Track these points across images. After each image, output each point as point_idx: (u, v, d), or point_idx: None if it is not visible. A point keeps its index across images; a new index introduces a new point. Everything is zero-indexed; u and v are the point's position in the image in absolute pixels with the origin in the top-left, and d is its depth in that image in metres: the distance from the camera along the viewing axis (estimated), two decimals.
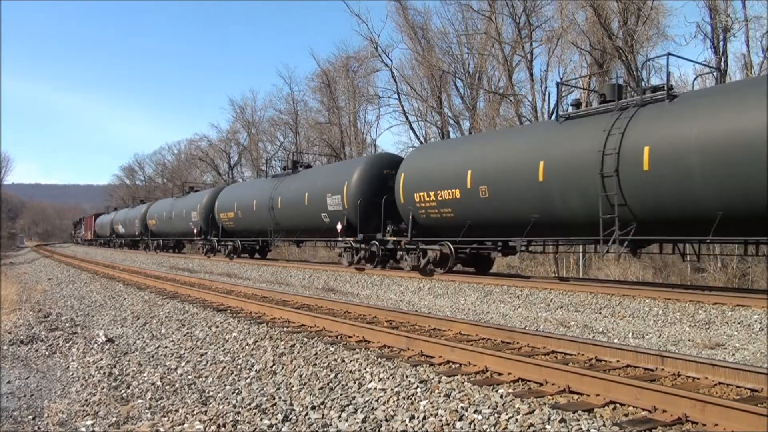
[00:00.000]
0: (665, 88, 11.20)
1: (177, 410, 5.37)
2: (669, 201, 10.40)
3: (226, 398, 5.64)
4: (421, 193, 15.53)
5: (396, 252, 17.14)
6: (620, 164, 10.89)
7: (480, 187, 13.82)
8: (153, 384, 6.38)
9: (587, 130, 11.95)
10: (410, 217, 16.08)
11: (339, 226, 18.24)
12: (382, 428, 4.49)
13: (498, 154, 13.87)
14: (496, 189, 13.51)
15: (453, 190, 14.58)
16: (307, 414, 4.93)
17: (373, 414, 4.77)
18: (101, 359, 7.73)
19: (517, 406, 4.62)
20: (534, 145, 13.02)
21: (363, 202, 17.52)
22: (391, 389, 5.31)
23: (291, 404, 5.23)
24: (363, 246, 17.88)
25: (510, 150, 13.65)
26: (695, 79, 18.72)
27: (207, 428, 4.80)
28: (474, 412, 4.57)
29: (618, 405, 4.75)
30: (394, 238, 16.75)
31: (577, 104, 13.58)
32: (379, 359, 6.38)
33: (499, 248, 15.13)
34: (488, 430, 4.27)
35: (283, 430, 4.67)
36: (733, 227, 9.92)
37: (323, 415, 4.88)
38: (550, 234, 13.34)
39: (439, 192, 15.01)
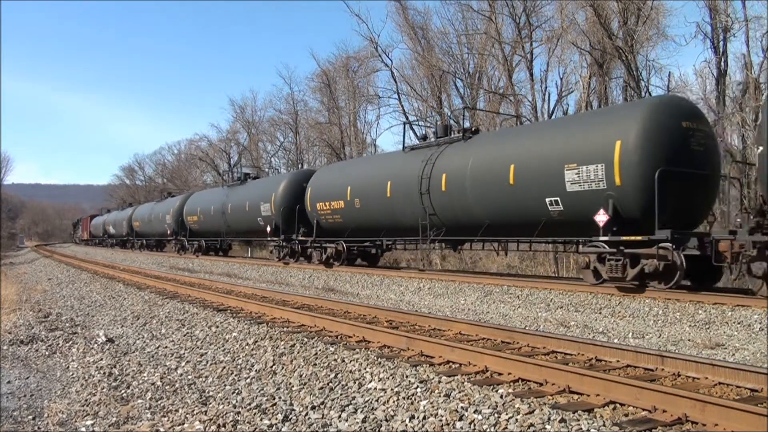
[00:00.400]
0: (470, 130, 15.57)
1: (177, 410, 5.37)
2: (458, 212, 14.59)
3: (226, 398, 5.64)
4: (321, 203, 19.61)
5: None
6: (430, 186, 15.07)
7: (355, 200, 17.98)
8: (153, 384, 6.38)
9: (417, 160, 15.97)
10: (315, 221, 20.11)
11: (268, 228, 22.60)
12: (382, 428, 4.49)
13: (365, 174, 18.25)
14: (364, 201, 17.66)
15: (340, 201, 18.68)
16: (307, 414, 4.93)
17: (373, 414, 4.77)
18: (101, 359, 7.73)
19: (517, 406, 4.62)
20: (386, 169, 17.31)
21: (285, 209, 21.64)
22: (391, 389, 5.31)
23: (291, 404, 5.23)
24: (285, 244, 22.15)
25: (372, 172, 18.02)
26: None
27: (207, 428, 4.80)
28: (474, 412, 4.57)
29: (618, 405, 4.75)
30: (303, 238, 20.97)
31: (423, 137, 17.68)
32: (379, 359, 6.38)
33: (378, 246, 19.22)
34: (488, 430, 4.27)
35: (283, 430, 4.67)
36: (495, 231, 14.01)
37: (323, 415, 4.88)
38: (396, 235, 17.60)
39: (332, 202, 19.10)
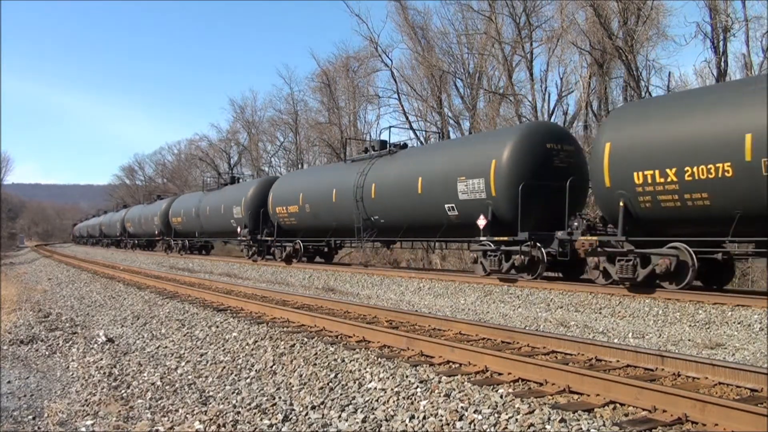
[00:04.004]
0: (399, 145, 18.23)
1: (177, 410, 5.37)
2: (385, 216, 17.01)
3: (226, 398, 5.65)
4: (281, 207, 22.21)
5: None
6: (363, 194, 17.53)
7: (306, 205, 20.62)
8: (153, 384, 6.38)
9: (354, 171, 18.34)
10: (276, 223, 22.74)
11: (239, 229, 25.32)
12: (382, 428, 4.49)
13: (315, 182, 20.96)
14: (314, 206, 20.31)
15: (295, 206, 21.25)
16: (307, 414, 4.93)
17: (373, 414, 4.77)
18: (101, 359, 7.73)
19: (517, 406, 4.62)
20: (333, 177, 19.85)
21: (253, 212, 24.30)
22: (391, 389, 5.31)
23: (291, 404, 5.23)
24: (252, 243, 24.78)
25: (320, 179, 20.79)
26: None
27: (207, 428, 4.80)
28: (474, 412, 4.57)
29: (618, 405, 4.75)
30: (267, 238, 23.46)
31: (365, 150, 19.58)
32: (379, 359, 6.38)
33: (329, 244, 21.75)
34: (488, 430, 4.27)
35: (283, 430, 4.67)
36: (414, 232, 16.87)
37: (323, 415, 4.88)
38: (340, 236, 20.28)
39: (288, 207, 21.65)
